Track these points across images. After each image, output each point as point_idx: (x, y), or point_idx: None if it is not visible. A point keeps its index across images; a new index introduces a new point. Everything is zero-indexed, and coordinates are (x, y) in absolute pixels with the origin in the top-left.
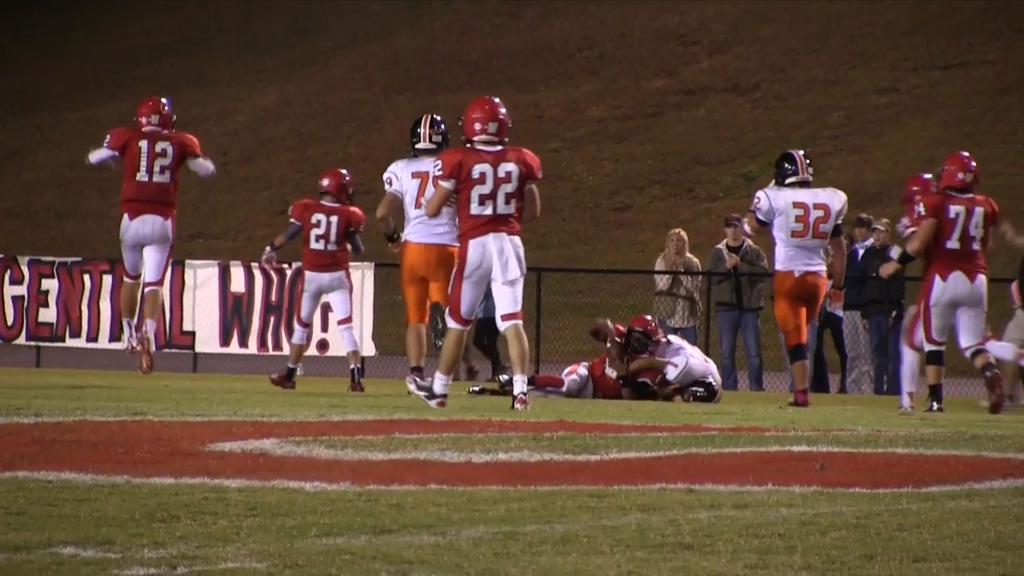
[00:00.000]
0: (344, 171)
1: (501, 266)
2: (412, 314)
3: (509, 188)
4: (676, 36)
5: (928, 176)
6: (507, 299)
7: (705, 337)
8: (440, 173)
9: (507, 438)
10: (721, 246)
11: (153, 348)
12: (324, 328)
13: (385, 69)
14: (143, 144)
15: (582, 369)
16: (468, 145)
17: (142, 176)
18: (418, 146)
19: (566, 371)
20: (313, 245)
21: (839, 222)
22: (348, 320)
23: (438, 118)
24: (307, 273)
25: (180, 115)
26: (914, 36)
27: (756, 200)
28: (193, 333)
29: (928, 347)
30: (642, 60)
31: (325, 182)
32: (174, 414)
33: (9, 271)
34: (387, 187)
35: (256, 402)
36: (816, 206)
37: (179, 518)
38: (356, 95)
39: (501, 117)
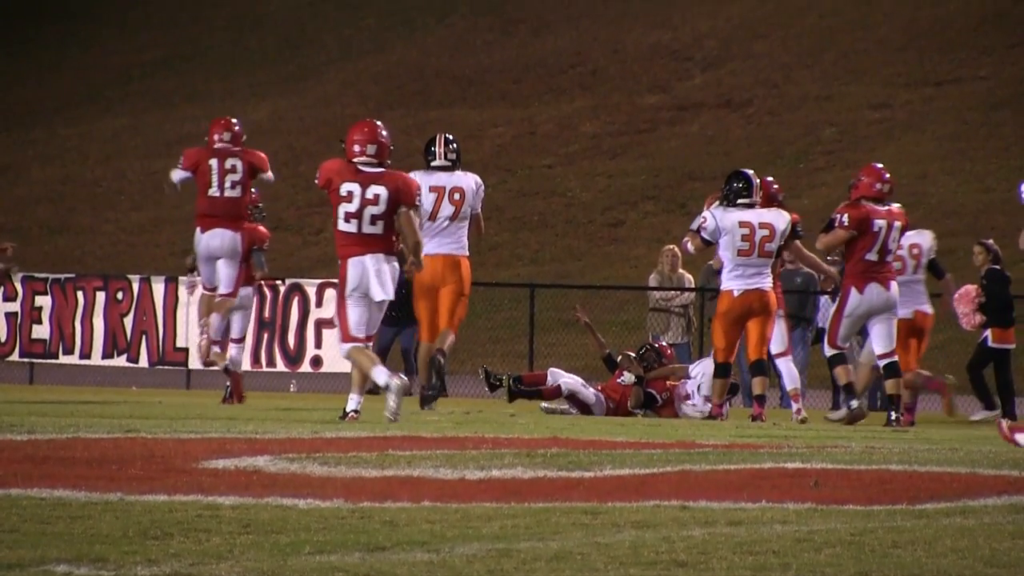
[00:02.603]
0: (252, 189)
1: (371, 284)
2: (424, 333)
3: (375, 210)
4: (669, 52)
5: (771, 179)
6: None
7: (699, 353)
8: (318, 179)
9: (501, 455)
10: (713, 262)
11: (214, 337)
12: (318, 345)
13: (378, 84)
14: (213, 162)
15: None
16: (350, 163)
17: (214, 191)
18: (433, 164)
19: None
20: None
21: (782, 243)
22: (242, 340)
23: (450, 137)
24: None
25: (173, 130)
26: (907, 52)
27: (702, 220)
28: (186, 350)
29: (831, 351)
30: (635, 76)
31: None
32: (168, 431)
33: (2, 287)
34: None
35: (249, 419)
36: (761, 225)
37: (173, 535)
38: (349, 110)
39: (381, 139)
